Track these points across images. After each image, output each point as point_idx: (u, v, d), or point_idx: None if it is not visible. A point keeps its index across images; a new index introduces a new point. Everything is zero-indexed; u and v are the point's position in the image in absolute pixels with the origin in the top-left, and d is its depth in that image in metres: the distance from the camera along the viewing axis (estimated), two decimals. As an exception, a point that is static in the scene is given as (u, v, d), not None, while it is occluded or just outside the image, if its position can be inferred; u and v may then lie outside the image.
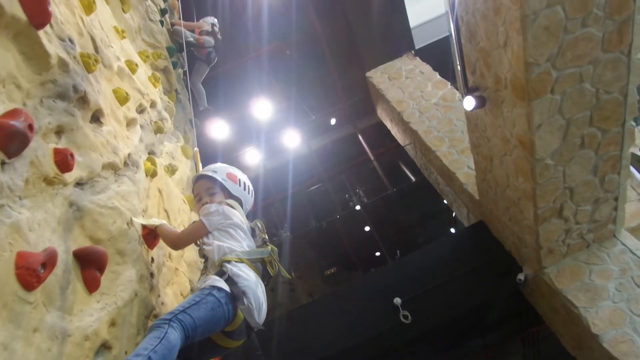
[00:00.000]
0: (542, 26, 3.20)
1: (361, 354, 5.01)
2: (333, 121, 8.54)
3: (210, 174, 2.24)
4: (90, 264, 1.48)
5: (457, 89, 6.49)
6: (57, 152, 1.51)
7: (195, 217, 2.99)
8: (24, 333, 1.04)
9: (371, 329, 4.99)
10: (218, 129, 6.55)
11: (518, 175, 4.23)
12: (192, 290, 2.46)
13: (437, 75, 6.96)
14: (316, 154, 8.09)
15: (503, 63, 3.72)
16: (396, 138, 7.56)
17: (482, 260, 5.09)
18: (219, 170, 2.26)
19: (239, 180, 2.26)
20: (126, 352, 1.54)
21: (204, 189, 2.23)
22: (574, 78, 3.56)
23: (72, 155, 1.56)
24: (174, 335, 1.44)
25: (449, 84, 6.78)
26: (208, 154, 4.09)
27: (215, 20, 5.88)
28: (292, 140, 7.56)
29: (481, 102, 4.17)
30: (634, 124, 4.15)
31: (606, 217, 4.39)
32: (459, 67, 4.21)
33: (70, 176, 1.59)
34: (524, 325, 6.01)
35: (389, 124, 7.73)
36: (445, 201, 7.49)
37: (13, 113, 1.19)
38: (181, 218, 2.65)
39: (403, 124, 6.80)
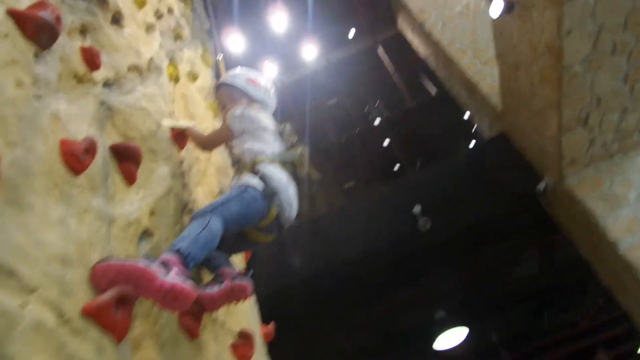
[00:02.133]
0: None
1: (380, 259, 5.24)
2: (352, 33, 8.24)
3: (230, 80, 2.24)
4: (126, 158, 1.55)
5: (484, -5, 6.15)
6: (84, 50, 1.53)
7: (218, 124, 3.04)
8: (76, 212, 1.12)
9: (390, 236, 5.17)
10: (234, 42, 6.41)
11: (544, 84, 4.13)
12: (220, 191, 2.56)
13: (463, -19, 6.57)
14: (334, 67, 7.91)
15: (536, -40, 3.50)
16: (417, 50, 7.32)
17: (503, 171, 5.12)
18: (239, 76, 2.26)
19: (260, 83, 2.27)
20: (167, 239, 1.65)
21: (226, 96, 2.25)
22: (611, -22, 3.35)
23: (98, 53, 1.58)
24: (216, 225, 1.53)
25: (475, -10, 6.40)
26: (229, 65, 4.05)
27: None
28: (310, 53, 7.37)
29: (509, 7, 3.98)
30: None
31: (632, 127, 4.31)
32: (487, -33, 3.98)
33: (98, 75, 1.61)
34: (541, 233, 6.14)
35: (410, 36, 7.45)
36: (466, 115, 7.39)
37: (40, 4, 1.19)
38: (205, 124, 2.70)
39: (425, 35, 6.55)
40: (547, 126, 4.34)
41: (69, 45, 1.42)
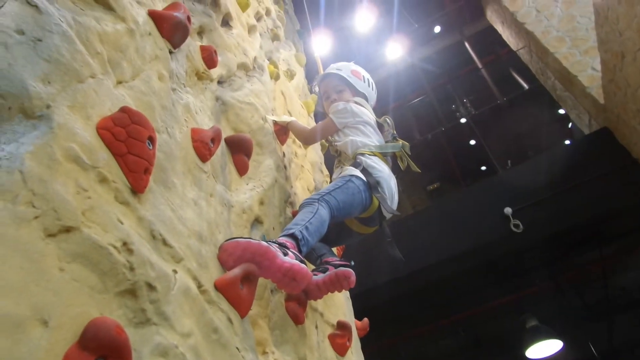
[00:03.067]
0: None
1: (470, 262, 5.08)
2: (437, 29, 8.06)
3: (335, 71, 2.30)
4: (239, 150, 1.65)
5: (583, -20, 5.76)
6: (203, 49, 1.65)
7: (312, 122, 3.12)
8: (205, 195, 1.22)
9: (481, 238, 5.00)
10: (322, 42, 6.52)
11: (657, 71, 3.78)
12: (315, 187, 2.63)
13: (559, -34, 6.20)
14: (420, 64, 7.79)
15: (650, -63, 3.22)
16: (508, 43, 7.01)
17: (605, 169, 4.76)
18: (343, 67, 2.31)
19: (363, 77, 2.30)
20: (274, 228, 1.73)
21: (331, 87, 2.30)
22: None
23: (215, 52, 1.69)
24: (324, 212, 1.59)
25: (573, -25, 6.02)
26: (309, 67, 4.13)
27: None
28: (394, 52, 7.32)
29: (617, -12, 3.68)
30: None
31: None
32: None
33: (215, 72, 1.73)
34: (648, 238, 5.62)
35: (499, 28, 7.16)
36: (561, 110, 6.95)
37: (174, 6, 1.31)
38: (301, 121, 2.78)
39: (517, 26, 6.26)
40: (659, 119, 3.98)
41: (192, 45, 1.54)
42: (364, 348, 2.45)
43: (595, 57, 5.02)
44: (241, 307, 1.13)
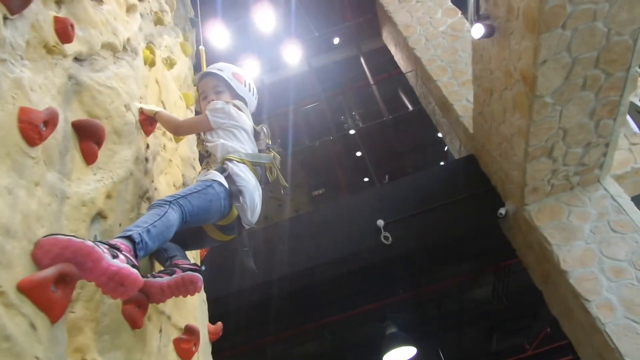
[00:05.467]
0: (563, -47, 3.09)
1: (341, 268, 5.26)
2: (336, 40, 8.29)
3: (216, 71, 2.22)
4: (88, 136, 1.51)
5: (467, 19, 6.30)
6: (57, 20, 1.48)
7: (190, 115, 3.00)
8: (26, 183, 1.09)
9: (353, 246, 5.20)
10: (217, 35, 6.34)
11: (515, 111, 4.24)
12: (184, 183, 2.52)
13: (449, 2, 6.72)
14: (316, 72, 7.94)
15: (518, -9, 3.60)
16: (399, 64, 7.43)
17: (467, 192, 5.23)
18: (225, 68, 2.24)
19: (244, 80, 2.25)
20: (120, 224, 1.61)
21: (210, 87, 2.22)
22: (588, 15, 3.48)
23: (72, 26, 1.54)
24: (173, 216, 1.51)
25: (460, 12, 6.56)
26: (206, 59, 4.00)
27: None
28: (293, 56, 7.38)
29: (490, 31, 4.08)
30: (639, 70, 4.11)
31: (594, 162, 4.47)
32: (473, -8, 4.08)
33: (70, 48, 1.57)
34: (498, 258, 6.29)
35: (393, 49, 7.56)
36: (439, 134, 7.53)
37: (15, -34, 1.16)
38: (177, 113, 2.65)
39: (407, 50, 6.65)
40: (514, 152, 4.47)
41: (42, 13, 1.38)
42: (223, 351, 2.40)
43: (470, 90, 5.50)
44: (52, 311, 1.02)
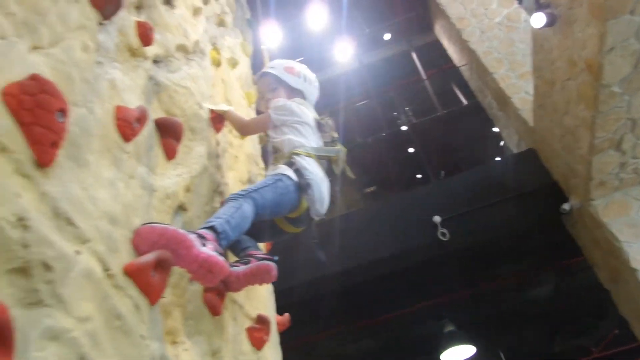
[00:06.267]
0: None
1: (396, 265, 5.23)
2: (387, 36, 8.23)
3: (268, 70, 2.28)
4: (168, 133, 1.59)
5: (524, 8, 6.09)
6: (139, 24, 1.58)
7: (252, 113, 3.08)
8: (123, 176, 1.17)
9: (408, 243, 5.15)
10: (270, 35, 6.45)
11: (579, 102, 4.07)
12: (249, 179, 2.60)
13: (505, -8, 6.51)
14: (367, 69, 7.92)
15: (583, -24, 3.46)
16: (452, 58, 7.28)
17: (528, 188, 5.06)
18: (277, 65, 2.29)
19: (298, 72, 2.28)
20: (198, 217, 1.69)
21: (265, 86, 2.29)
22: (660, -3, 3.29)
23: (152, 29, 1.63)
24: (248, 209, 1.57)
25: (515, 2, 6.35)
26: (257, 58, 4.10)
27: None
28: (343, 53, 7.39)
29: (551, 19, 3.94)
30: None
31: (667, 154, 4.21)
32: (533, -20, 3.95)
33: (150, 51, 1.67)
34: (560, 255, 6.04)
35: (445, 43, 7.42)
36: (494, 128, 7.32)
37: (109, -25, 1.25)
38: (240, 111, 2.74)
39: (461, 43, 6.51)
40: (578, 146, 4.28)
41: (127, 19, 1.48)
42: (282, 343, 2.46)
43: (529, 81, 5.32)
44: (151, 295, 1.09)
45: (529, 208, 5.00)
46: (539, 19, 3.95)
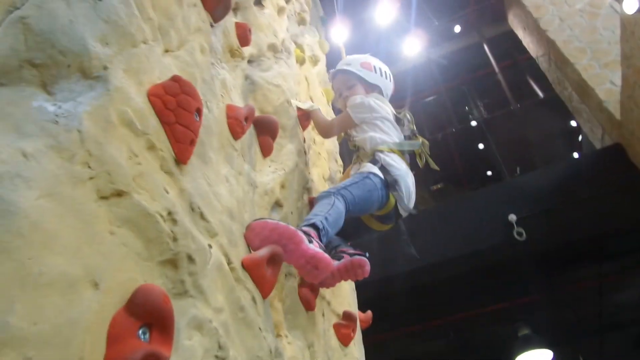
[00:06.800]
0: None
1: (468, 265, 5.09)
2: (457, 28, 8.00)
3: (344, 67, 2.27)
4: (266, 131, 1.63)
5: (610, -7, 5.70)
6: (238, 26, 1.63)
7: (330, 110, 3.10)
8: (235, 173, 1.21)
9: (481, 242, 4.99)
10: (339, 32, 6.46)
11: (678, 92, 3.75)
12: (330, 176, 2.62)
13: (587, -23, 6.12)
14: (436, 63, 7.74)
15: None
16: (528, 49, 6.95)
17: (614, 185, 4.74)
18: (352, 61, 2.28)
19: (374, 67, 2.26)
20: (292, 212, 1.72)
21: (342, 84, 2.28)
22: None
23: (250, 30, 1.68)
24: (341, 205, 1.59)
25: (601, -14, 5.95)
26: (331, 55, 4.10)
27: None
28: (412, 48, 7.27)
29: (648, 4, 3.65)
30: None
31: None
32: (626, -38, 3.68)
33: (246, 51, 1.71)
34: (648, 258, 5.63)
35: (521, 33, 7.09)
36: (572, 122, 6.92)
37: (217, -21, 1.29)
38: (321, 108, 2.76)
39: (539, 32, 6.20)
40: (675, 140, 3.96)
41: (229, 21, 1.52)
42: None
43: (615, 71, 4.98)
44: (264, 288, 1.12)
45: (616, 207, 4.69)
46: (631, 4, 3.69)
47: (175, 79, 0.85)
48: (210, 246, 0.89)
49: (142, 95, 0.80)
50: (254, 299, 1.06)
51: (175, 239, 0.75)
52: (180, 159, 0.85)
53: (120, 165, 0.68)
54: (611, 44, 5.45)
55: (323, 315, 1.93)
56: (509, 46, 7.58)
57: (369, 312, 2.43)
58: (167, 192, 0.78)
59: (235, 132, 1.24)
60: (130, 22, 0.80)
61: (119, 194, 0.67)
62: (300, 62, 2.45)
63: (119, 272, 0.63)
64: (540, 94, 7.37)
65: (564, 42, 5.77)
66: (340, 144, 3.08)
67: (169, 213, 0.76)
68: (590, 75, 5.44)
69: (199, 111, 0.89)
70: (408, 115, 2.19)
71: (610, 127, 5.29)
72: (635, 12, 3.77)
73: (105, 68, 0.71)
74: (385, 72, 2.31)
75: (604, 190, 4.77)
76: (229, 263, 0.99)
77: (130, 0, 0.82)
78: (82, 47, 0.68)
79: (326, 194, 1.66)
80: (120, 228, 0.66)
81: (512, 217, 4.95)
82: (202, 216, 0.90)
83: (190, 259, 0.78)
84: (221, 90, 1.25)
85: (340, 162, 3.01)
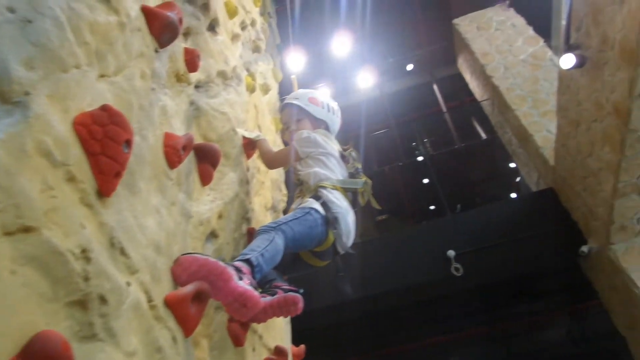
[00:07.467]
0: (672, -16, 2.95)
1: (408, 298, 5.15)
2: (410, 66, 8.31)
3: (293, 101, 2.28)
4: (206, 159, 1.60)
5: (551, 47, 6.11)
6: (187, 51, 1.61)
7: (279, 139, 3.10)
8: (167, 203, 1.17)
9: (420, 276, 5.08)
10: (294, 61, 6.53)
11: (605, 145, 4.04)
12: (272, 205, 2.60)
13: (530, 30, 6.55)
14: (388, 98, 7.98)
15: (615, 22, 3.47)
16: (474, 92, 7.31)
17: (546, 227, 4.99)
18: (301, 96, 2.30)
19: (322, 103, 2.28)
20: (228, 243, 1.68)
21: (289, 117, 2.29)
22: (694, 47, 3.28)
23: (199, 56, 1.66)
24: (280, 241, 1.56)
25: (542, 40, 6.38)
26: (282, 85, 4.13)
27: None
28: (366, 81, 7.46)
29: (581, 61, 3.94)
30: None
31: (692, 203, 4.14)
32: (563, 21, 3.97)
33: (194, 77, 1.69)
34: (575, 299, 5.93)
35: (468, 77, 7.45)
36: (512, 164, 7.27)
37: (168, 5, 1.27)
38: (269, 137, 2.76)
39: (485, 78, 6.54)
40: (600, 188, 4.24)
41: (177, 45, 1.50)
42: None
43: (552, 120, 5.30)
44: (188, 326, 1.08)
45: (547, 248, 4.92)
46: (568, 60, 3.96)
47: (105, 107, 0.81)
48: (128, 284, 0.85)
49: (67, 124, 0.76)
50: (174, 339, 1.01)
51: (86, 279, 0.71)
52: (104, 192, 0.81)
53: (31, 198, 0.64)
54: (549, 95, 5.83)
55: (254, 350, 1.88)
56: (456, 88, 7.94)
57: (302, 346, 2.40)
58: (84, 227, 0.74)
59: (172, 161, 1.21)
60: (62, 45, 0.77)
61: (26, 229, 0.62)
62: (251, 90, 2.44)
63: (15, 315, 0.58)
64: (483, 135, 7.73)
65: (507, 89, 6.11)
66: (286, 172, 3.09)
67: (83, 250, 0.71)
68: (529, 122, 5.77)
69: (128, 142, 0.86)
70: (353, 153, 2.21)
71: (545, 172, 5.60)
72: (570, 68, 4.05)
73: (26, 94, 0.67)
74: (332, 108, 2.33)
75: (537, 231, 5.01)
76: (150, 301, 0.95)
77: (64, 24, 0.79)
78: (3, 70, 0.64)
79: (266, 229, 1.64)
80: (23, 267, 0.61)
81: (451, 253, 5.09)
82: (122, 252, 0.85)
83: (103, 299, 0.74)
84: (160, 117, 1.21)
85: (284, 191, 3.00)
